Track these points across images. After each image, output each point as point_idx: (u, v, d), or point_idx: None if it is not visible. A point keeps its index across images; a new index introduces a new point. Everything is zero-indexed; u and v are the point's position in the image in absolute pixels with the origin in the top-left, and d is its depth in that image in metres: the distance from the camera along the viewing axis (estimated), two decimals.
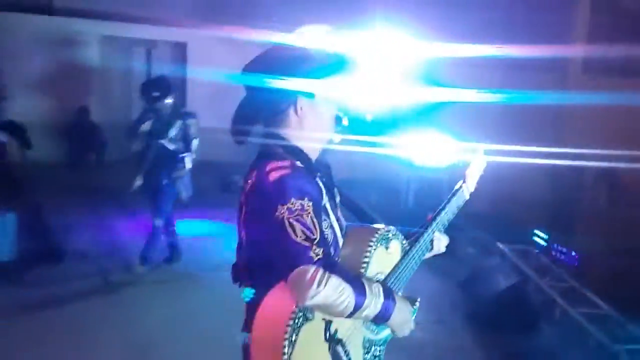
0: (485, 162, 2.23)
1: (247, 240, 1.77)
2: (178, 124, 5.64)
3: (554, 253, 6.02)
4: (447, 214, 2.09)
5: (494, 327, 5.00)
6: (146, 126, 5.62)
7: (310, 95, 1.78)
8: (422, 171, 7.78)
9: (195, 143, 5.71)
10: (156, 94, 5.55)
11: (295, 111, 1.79)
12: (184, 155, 5.64)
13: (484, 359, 4.66)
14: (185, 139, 5.67)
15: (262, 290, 1.69)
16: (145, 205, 5.89)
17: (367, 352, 1.85)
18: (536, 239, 6.35)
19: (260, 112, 1.81)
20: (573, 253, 5.72)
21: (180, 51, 11.03)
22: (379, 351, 1.90)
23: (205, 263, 5.99)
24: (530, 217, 7.32)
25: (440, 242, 2.07)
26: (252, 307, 1.70)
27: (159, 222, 5.72)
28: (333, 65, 1.79)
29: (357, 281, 1.66)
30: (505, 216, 7.81)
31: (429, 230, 2.02)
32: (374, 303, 1.67)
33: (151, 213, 5.76)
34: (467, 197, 2.18)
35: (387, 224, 1.93)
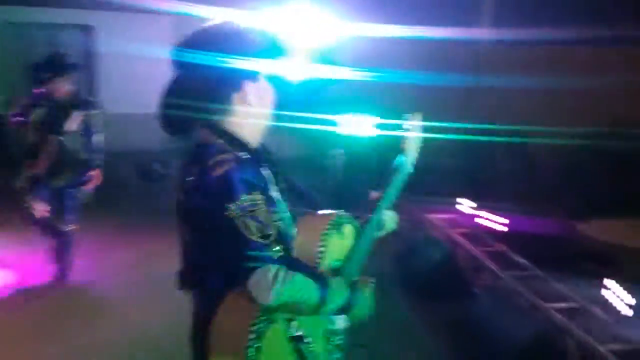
0: (421, 134, 2.18)
1: (194, 243, 1.64)
2: (77, 114, 4.81)
3: (481, 219, 6.25)
4: (394, 190, 2.04)
5: (430, 296, 5.12)
6: (37, 116, 4.72)
7: (255, 78, 1.66)
8: (351, 148, 7.80)
9: (98, 139, 4.92)
10: (47, 74, 4.67)
11: (239, 96, 1.66)
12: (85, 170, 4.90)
13: (423, 328, 4.77)
14: (87, 134, 4.89)
15: (214, 296, 1.57)
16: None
17: (330, 343, 1.80)
18: (463, 207, 6.56)
19: (197, 97, 1.64)
20: (500, 218, 5.96)
21: (87, 34, 10.44)
22: (341, 339, 1.87)
23: None
24: (455, 187, 7.53)
25: (390, 220, 2.04)
26: (203, 316, 1.58)
27: (66, 229, 5.01)
28: (279, 45, 1.69)
29: (319, 276, 1.60)
30: (431, 186, 7.99)
31: (379, 209, 1.97)
32: (337, 296, 1.61)
33: (56, 220, 4.99)
34: (411, 169, 2.12)
35: (321, 204, 1.88)
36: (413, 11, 9.47)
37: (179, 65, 1.65)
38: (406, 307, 5.07)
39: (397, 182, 2.05)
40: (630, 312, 4.13)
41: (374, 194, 2.04)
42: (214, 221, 1.52)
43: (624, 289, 4.29)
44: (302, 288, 1.51)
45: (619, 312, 4.20)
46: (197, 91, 1.63)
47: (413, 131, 2.16)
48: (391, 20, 7.78)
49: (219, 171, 1.53)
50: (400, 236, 6.12)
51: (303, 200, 1.98)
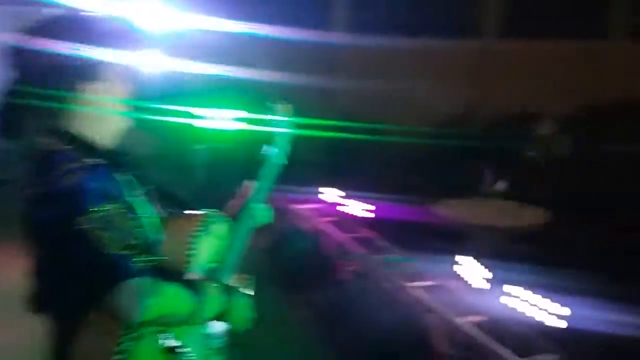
0: (292, 126, 2.15)
1: (45, 260, 1.46)
2: None
3: (346, 206, 6.43)
4: (265, 183, 1.98)
5: (300, 287, 5.19)
6: None
7: (104, 72, 1.50)
8: (217, 143, 7.64)
9: None
10: None
11: (87, 93, 1.49)
12: None
13: (296, 320, 4.81)
14: None
15: (73, 317, 1.42)
16: None
17: (208, 348, 1.71)
18: (328, 196, 6.71)
19: (39, 95, 1.45)
20: (367, 205, 6.17)
21: None
22: (221, 343, 1.78)
23: None
24: (320, 175, 7.68)
25: (264, 213, 1.98)
26: (61, 341, 1.43)
27: None
28: (130, 35, 1.54)
29: (190, 283, 1.50)
30: (294, 176, 8.07)
31: (251, 202, 1.90)
32: (212, 303, 1.53)
33: None
34: (283, 160, 2.07)
35: (188, 203, 1.79)
36: (278, 10, 9.53)
37: (17, 58, 1.45)
38: (279, 301, 5.08)
39: (268, 174, 1.99)
40: (484, 285, 4.47)
41: (246, 185, 1.98)
42: (66, 236, 1.36)
43: (476, 262, 4.64)
44: (171, 299, 1.42)
45: (473, 285, 4.53)
46: (39, 88, 1.45)
47: (281, 122, 2.11)
48: (254, 18, 7.78)
49: (67, 182, 1.37)
50: (268, 229, 6.17)
51: (169, 202, 1.86)
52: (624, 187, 7.34)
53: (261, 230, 2.09)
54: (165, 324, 1.46)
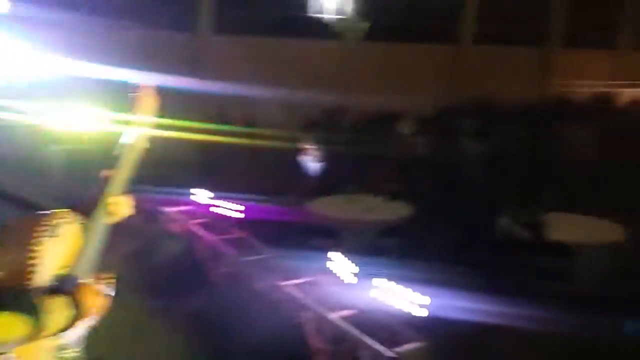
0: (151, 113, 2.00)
1: None
2: None
3: (218, 208, 6.34)
4: (124, 171, 1.80)
5: (171, 293, 5.01)
6: None
7: None
8: (66, 142, 7.15)
9: None
10: None
11: None
12: None
13: (166, 328, 4.65)
14: None
15: None
16: None
17: (61, 358, 1.60)
18: (198, 197, 6.56)
19: None
20: (238, 206, 6.11)
21: None
22: (75, 352, 1.66)
23: None
24: (190, 176, 7.50)
25: (123, 204, 1.80)
26: None
27: None
28: None
29: (27, 304, 1.37)
30: (163, 179, 7.80)
31: (104, 196, 1.74)
32: (55, 317, 1.41)
33: None
34: (145, 144, 1.89)
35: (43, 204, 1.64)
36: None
37: None
38: (145, 309, 4.86)
39: (127, 162, 1.82)
40: (354, 280, 4.63)
41: (101, 180, 1.81)
42: None
43: (346, 258, 4.79)
44: (3, 326, 1.30)
45: (344, 280, 4.67)
46: None
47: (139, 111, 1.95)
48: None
49: None
50: (136, 233, 5.89)
51: (11, 205, 1.69)
52: (478, 182, 7.97)
53: (126, 232, 1.97)
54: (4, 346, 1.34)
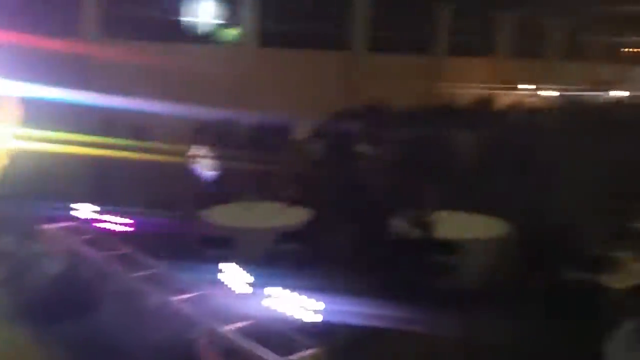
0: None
1: None
2: None
3: (104, 222, 5.98)
4: None
5: (52, 317, 4.67)
6: None
7: None
8: None
9: None
10: None
11: None
12: None
13: (48, 353, 4.33)
14: None
15: None
16: None
17: None
18: (81, 211, 6.16)
19: None
20: (127, 219, 5.79)
21: None
22: None
23: None
24: (74, 192, 7.05)
25: None
26: None
27: None
28: None
29: None
30: (44, 196, 7.31)
31: None
32: None
33: None
34: (6, 157, 1.77)
35: None
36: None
37: None
38: (26, 336, 4.50)
39: None
40: (248, 290, 4.52)
41: None
42: None
43: (240, 268, 4.67)
44: None
45: (238, 291, 4.56)
46: None
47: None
48: None
49: None
50: (6, 256, 5.44)
51: None
52: (370, 185, 8.14)
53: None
54: None
